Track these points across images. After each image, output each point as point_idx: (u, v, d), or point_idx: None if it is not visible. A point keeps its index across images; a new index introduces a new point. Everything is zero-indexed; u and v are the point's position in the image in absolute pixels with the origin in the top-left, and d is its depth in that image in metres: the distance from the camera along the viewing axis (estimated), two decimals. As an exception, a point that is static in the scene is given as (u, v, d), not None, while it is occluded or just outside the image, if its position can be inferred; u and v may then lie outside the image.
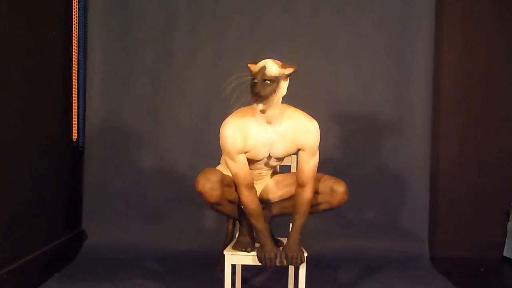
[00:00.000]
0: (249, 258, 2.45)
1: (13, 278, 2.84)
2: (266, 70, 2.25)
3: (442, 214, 4.20)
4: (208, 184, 2.26)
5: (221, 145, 2.36)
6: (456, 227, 4.21)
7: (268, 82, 2.24)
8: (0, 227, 2.77)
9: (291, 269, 2.80)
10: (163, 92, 4.08)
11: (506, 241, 4.12)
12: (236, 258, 2.46)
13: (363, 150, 4.09)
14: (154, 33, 4.06)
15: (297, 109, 2.44)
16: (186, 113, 4.09)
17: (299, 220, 2.43)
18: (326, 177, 2.49)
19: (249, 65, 2.35)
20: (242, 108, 2.42)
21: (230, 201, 2.42)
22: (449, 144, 4.21)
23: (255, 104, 2.25)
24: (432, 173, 4.13)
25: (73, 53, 3.83)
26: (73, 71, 3.83)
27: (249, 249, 2.46)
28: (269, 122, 2.34)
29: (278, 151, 2.41)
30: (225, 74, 3.99)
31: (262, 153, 2.40)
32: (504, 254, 4.11)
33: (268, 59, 2.32)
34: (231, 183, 2.42)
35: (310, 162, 2.39)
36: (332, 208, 2.47)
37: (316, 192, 2.46)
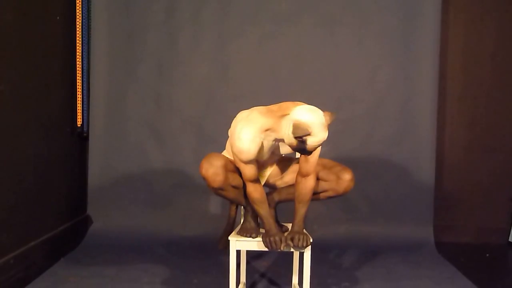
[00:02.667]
0: (254, 244, 2.45)
1: (19, 263, 2.85)
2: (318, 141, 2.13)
3: (447, 199, 4.19)
4: (211, 169, 2.25)
5: (235, 151, 2.29)
6: (461, 213, 4.20)
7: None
8: (6, 212, 2.78)
9: (296, 254, 2.80)
10: (167, 77, 4.07)
11: (512, 226, 4.12)
12: (241, 244, 2.46)
13: (368, 135, 4.07)
14: (157, 18, 4.03)
15: (302, 104, 2.28)
16: (190, 98, 4.07)
17: (303, 208, 2.43)
18: (332, 164, 2.48)
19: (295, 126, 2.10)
20: (259, 112, 2.29)
21: (234, 187, 2.41)
22: (455, 129, 4.19)
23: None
24: (438, 159, 4.11)
25: (77, 38, 3.81)
26: (77, 57, 3.82)
27: (254, 235, 2.46)
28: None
29: (284, 151, 2.46)
30: (229, 59, 4.05)
31: (267, 155, 2.41)
32: (510, 239, 4.11)
33: (311, 123, 2.09)
34: (235, 169, 2.42)
35: (315, 153, 2.36)
36: (338, 195, 2.47)
37: (322, 180, 2.46)
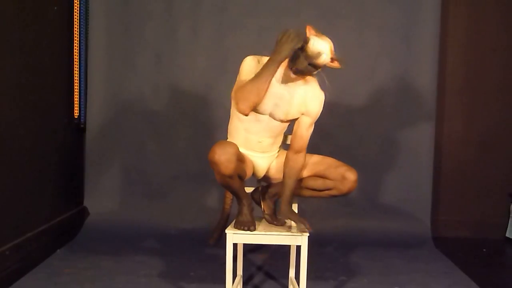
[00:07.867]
0: (251, 237, 2.44)
1: (15, 254, 2.85)
2: (320, 58, 2.33)
3: (445, 194, 4.19)
4: (224, 156, 2.20)
5: (242, 67, 2.49)
6: (459, 208, 4.20)
7: (314, 68, 2.31)
8: (2, 203, 2.77)
9: (293, 247, 2.79)
10: (165, 68, 4.04)
11: (509, 222, 4.12)
12: (238, 237, 2.44)
13: (367, 129, 4.05)
14: (156, 8, 4.01)
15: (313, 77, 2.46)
16: (188, 90, 4.05)
17: (293, 184, 2.45)
18: (338, 163, 2.48)
19: (308, 28, 2.49)
20: (263, 56, 2.46)
21: (240, 177, 2.39)
22: (453, 124, 4.18)
23: (291, 71, 2.31)
24: (436, 153, 4.10)
25: (75, 29, 3.79)
26: (74, 47, 3.79)
27: (252, 228, 2.44)
28: (284, 82, 2.38)
29: (281, 112, 2.41)
30: (228, 51, 4.02)
31: (265, 107, 2.38)
32: (507, 235, 4.11)
33: (328, 43, 2.43)
34: (242, 158, 2.41)
35: (309, 129, 2.44)
36: (341, 195, 2.48)
37: (327, 178, 2.47)
